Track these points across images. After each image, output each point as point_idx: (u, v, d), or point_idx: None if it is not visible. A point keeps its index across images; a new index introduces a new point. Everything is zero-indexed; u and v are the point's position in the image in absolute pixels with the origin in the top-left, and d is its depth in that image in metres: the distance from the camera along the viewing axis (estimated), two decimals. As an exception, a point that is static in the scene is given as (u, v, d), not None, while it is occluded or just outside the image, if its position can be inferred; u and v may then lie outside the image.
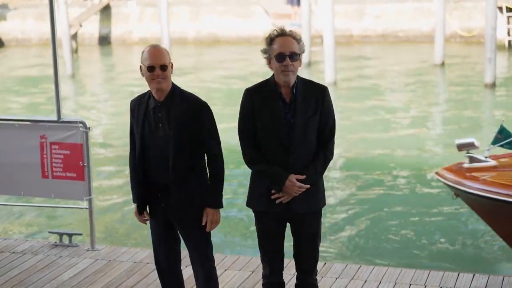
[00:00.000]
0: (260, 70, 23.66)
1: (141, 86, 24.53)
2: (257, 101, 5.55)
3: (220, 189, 5.71)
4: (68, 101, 23.61)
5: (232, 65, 27.77)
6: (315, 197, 5.62)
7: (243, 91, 5.64)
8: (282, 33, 5.47)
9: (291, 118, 5.48)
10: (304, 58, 27.83)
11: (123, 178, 14.27)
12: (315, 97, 5.50)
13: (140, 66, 5.60)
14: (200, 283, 5.87)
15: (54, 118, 8.15)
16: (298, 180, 5.48)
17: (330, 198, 13.44)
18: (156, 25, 31.79)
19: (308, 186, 5.50)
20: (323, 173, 5.58)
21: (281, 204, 5.56)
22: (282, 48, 5.41)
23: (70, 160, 8.07)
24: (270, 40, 5.48)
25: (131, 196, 5.88)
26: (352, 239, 11.51)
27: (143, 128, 5.63)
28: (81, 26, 33.61)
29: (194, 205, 5.68)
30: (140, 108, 5.67)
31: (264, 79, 5.62)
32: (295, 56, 5.41)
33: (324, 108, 5.50)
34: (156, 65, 5.49)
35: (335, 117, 5.61)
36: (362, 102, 21.81)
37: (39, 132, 8.12)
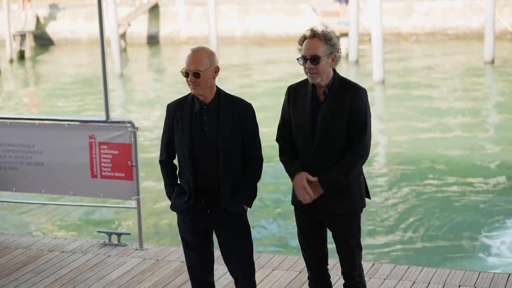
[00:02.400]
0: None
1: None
2: (294, 99, 5.65)
3: (256, 190, 5.75)
4: (117, 100, 23.78)
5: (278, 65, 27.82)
6: (344, 199, 5.58)
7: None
8: (311, 35, 5.50)
9: (319, 117, 5.51)
10: (352, 56, 27.74)
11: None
12: (348, 98, 5.49)
13: None
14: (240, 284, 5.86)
15: (103, 118, 8.21)
16: (310, 181, 5.50)
17: (377, 197, 13.36)
18: (204, 24, 31.88)
19: (318, 192, 5.50)
20: (349, 176, 5.50)
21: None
22: (304, 51, 5.49)
23: (118, 160, 8.12)
24: (302, 40, 5.55)
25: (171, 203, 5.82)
26: (401, 240, 11.43)
27: (190, 131, 5.58)
28: (129, 25, 33.83)
29: (236, 209, 5.67)
30: (184, 111, 5.62)
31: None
32: (317, 59, 5.43)
33: (354, 109, 5.47)
34: (190, 71, 5.49)
35: (371, 118, 5.56)
36: (410, 101, 21.64)
37: (88, 132, 8.19)
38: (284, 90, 5.76)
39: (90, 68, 29.31)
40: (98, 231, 8.84)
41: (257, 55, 30.24)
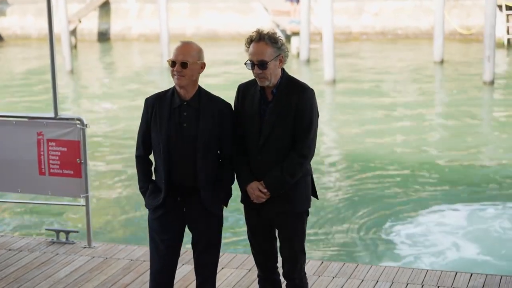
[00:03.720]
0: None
1: (140, 82, 24.52)
2: (243, 98, 5.66)
3: (231, 190, 5.75)
4: (66, 97, 23.56)
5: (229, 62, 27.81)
6: (288, 198, 5.60)
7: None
8: (257, 38, 5.51)
9: (265, 117, 5.53)
10: (303, 55, 27.82)
11: (121, 175, 14.23)
12: (294, 97, 5.52)
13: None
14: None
15: (52, 115, 8.12)
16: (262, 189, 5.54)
17: (327, 196, 13.41)
18: (156, 21, 31.73)
19: (266, 196, 5.53)
20: (294, 176, 5.52)
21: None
22: (251, 55, 5.49)
23: (67, 157, 8.04)
24: (249, 42, 5.55)
25: (135, 197, 5.78)
26: (350, 238, 11.48)
27: (168, 127, 5.52)
28: (80, 22, 33.51)
29: (217, 209, 5.66)
30: (163, 106, 5.55)
31: None
32: (264, 64, 5.45)
33: (299, 109, 5.49)
34: (177, 61, 5.44)
35: (318, 119, 5.59)
36: (360, 100, 21.77)
37: (36, 129, 8.09)
38: (234, 90, 5.76)
39: (39, 64, 28.99)
40: (46, 229, 8.74)
41: (208, 53, 30.16)
